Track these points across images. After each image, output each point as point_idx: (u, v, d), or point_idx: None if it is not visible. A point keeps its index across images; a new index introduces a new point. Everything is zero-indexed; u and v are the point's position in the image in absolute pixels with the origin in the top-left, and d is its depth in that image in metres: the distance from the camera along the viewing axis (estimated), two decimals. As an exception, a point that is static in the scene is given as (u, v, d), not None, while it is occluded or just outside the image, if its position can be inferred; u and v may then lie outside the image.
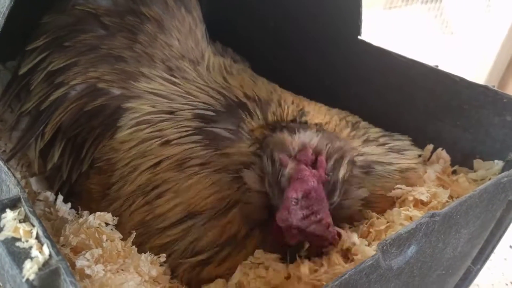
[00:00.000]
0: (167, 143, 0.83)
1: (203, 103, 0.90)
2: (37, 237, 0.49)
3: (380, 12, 2.24)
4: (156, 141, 0.84)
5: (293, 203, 0.69)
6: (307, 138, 0.77)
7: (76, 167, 0.90)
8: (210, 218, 0.77)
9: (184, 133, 0.84)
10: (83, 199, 0.88)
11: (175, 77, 0.96)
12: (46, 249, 0.47)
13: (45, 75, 0.94)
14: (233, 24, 1.35)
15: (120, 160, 0.86)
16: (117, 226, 0.75)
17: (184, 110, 0.88)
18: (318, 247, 0.73)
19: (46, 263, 0.45)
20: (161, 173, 0.81)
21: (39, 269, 0.44)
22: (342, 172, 0.76)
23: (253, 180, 0.78)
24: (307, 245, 0.75)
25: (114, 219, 0.74)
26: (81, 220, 0.72)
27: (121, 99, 0.91)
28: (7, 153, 0.97)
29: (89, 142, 0.90)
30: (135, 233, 0.74)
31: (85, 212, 0.76)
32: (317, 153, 0.75)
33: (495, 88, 0.88)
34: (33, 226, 0.50)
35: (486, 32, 2.44)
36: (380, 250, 0.56)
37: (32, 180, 0.95)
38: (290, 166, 0.72)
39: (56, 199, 0.84)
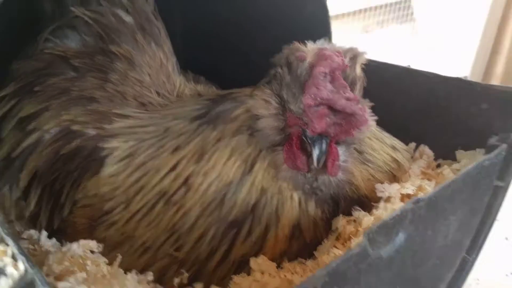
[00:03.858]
0: (178, 148, 0.81)
1: (191, 110, 0.88)
2: (13, 256, 0.48)
3: (358, 36, 2.30)
4: (165, 153, 0.82)
5: (321, 77, 0.69)
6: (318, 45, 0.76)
7: (57, 212, 0.88)
8: (238, 182, 0.77)
9: (190, 133, 0.82)
10: (68, 234, 0.85)
11: (148, 112, 0.95)
12: (21, 265, 0.45)
13: (16, 122, 0.93)
14: (207, 55, 1.37)
15: (115, 189, 0.83)
16: (122, 244, 0.77)
17: (177, 124, 0.86)
18: (349, 131, 0.72)
19: (21, 278, 0.44)
20: (182, 171, 0.79)
21: (14, 283, 0.43)
22: (358, 68, 0.75)
23: (259, 106, 0.78)
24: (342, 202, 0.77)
25: (99, 246, 0.72)
26: (64, 249, 0.70)
27: (97, 139, 0.89)
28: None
29: (68, 187, 0.88)
30: (120, 257, 0.72)
31: (69, 243, 0.74)
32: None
33: (468, 79, 0.89)
34: (7, 245, 0.49)
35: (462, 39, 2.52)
36: (367, 238, 0.55)
37: (15, 222, 0.93)
38: (310, 55, 0.71)
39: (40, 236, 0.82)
